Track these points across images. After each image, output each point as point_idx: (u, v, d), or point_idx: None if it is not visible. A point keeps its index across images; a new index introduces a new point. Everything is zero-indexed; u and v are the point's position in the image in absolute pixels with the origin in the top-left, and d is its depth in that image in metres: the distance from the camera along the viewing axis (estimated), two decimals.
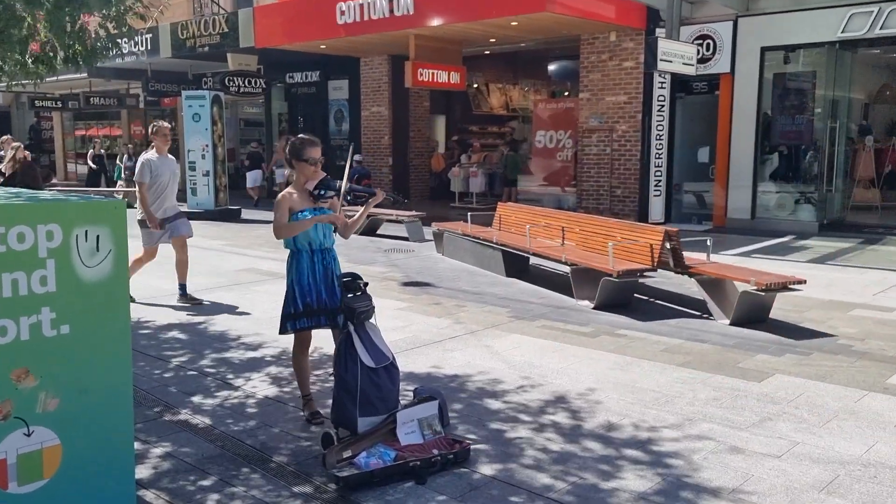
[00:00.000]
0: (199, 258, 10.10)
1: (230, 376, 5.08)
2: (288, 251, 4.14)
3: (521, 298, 7.49)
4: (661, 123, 12.29)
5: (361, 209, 4.20)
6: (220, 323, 6.51)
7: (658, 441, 3.98)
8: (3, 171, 9.69)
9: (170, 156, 7.11)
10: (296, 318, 4.06)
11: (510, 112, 20.53)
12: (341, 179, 4.14)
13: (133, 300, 7.21)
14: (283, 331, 4.09)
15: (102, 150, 22.43)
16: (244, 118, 22.81)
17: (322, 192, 4.05)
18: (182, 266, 7.32)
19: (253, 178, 17.53)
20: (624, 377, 5.05)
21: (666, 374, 5.10)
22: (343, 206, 4.16)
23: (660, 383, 4.92)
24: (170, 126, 7.21)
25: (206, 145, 14.97)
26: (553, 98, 17.67)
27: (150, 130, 7.14)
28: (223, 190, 15.32)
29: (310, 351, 4.35)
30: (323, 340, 5.44)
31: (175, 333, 6.18)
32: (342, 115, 18.13)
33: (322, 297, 4.06)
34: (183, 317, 6.73)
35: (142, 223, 7.06)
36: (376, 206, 4.46)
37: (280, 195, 4.07)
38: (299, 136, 4.14)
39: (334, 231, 4.18)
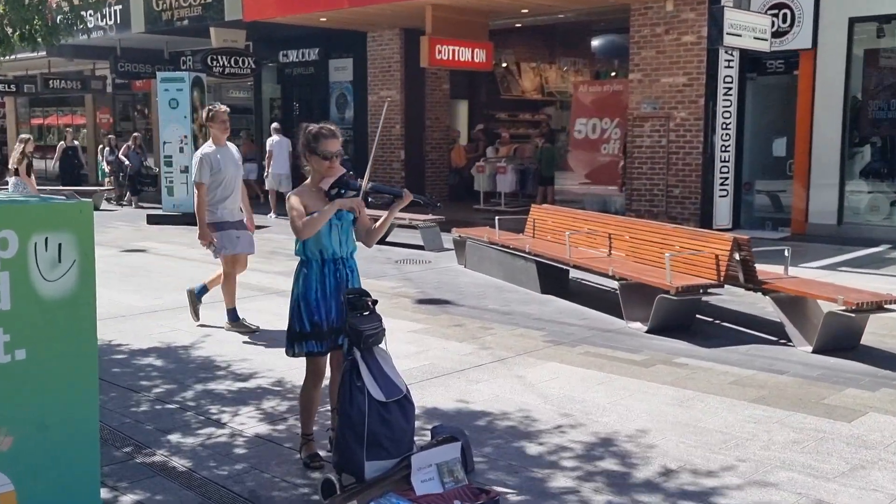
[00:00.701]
0: (177, 270, 10.21)
1: (215, 411, 5.12)
2: (296, 261, 4.23)
3: (560, 319, 7.48)
4: (727, 110, 12.22)
5: (386, 213, 4.22)
6: (203, 347, 6.57)
7: (725, 492, 3.95)
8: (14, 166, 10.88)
9: (230, 145, 6.85)
10: (303, 339, 4.12)
11: (546, 96, 20.58)
12: (362, 178, 4.16)
13: (256, 329, 6.89)
14: (289, 352, 4.17)
15: (76, 142, 22.60)
16: (230, 104, 23.00)
17: (340, 192, 4.09)
18: (231, 286, 6.99)
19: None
20: (684, 415, 5.02)
21: (735, 411, 5.06)
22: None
23: (727, 423, 4.88)
24: (227, 110, 6.84)
25: (185, 136, 15.17)
26: (597, 80, 17.68)
27: (204, 115, 6.89)
28: None
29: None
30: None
31: (151, 360, 6.24)
32: (345, 100, 18.29)
33: (331, 317, 4.11)
34: (160, 340, 6.80)
35: (218, 226, 6.76)
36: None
37: (290, 194, 4.14)
38: (314, 125, 4.17)
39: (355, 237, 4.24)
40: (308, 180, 4.18)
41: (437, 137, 17.89)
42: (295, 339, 4.14)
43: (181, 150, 15.17)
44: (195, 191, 6.74)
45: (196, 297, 7.23)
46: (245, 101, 22.15)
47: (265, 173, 16.05)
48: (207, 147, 6.78)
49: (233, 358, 6.25)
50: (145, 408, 5.20)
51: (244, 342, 6.68)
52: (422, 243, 11.67)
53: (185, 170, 15.08)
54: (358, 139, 17.69)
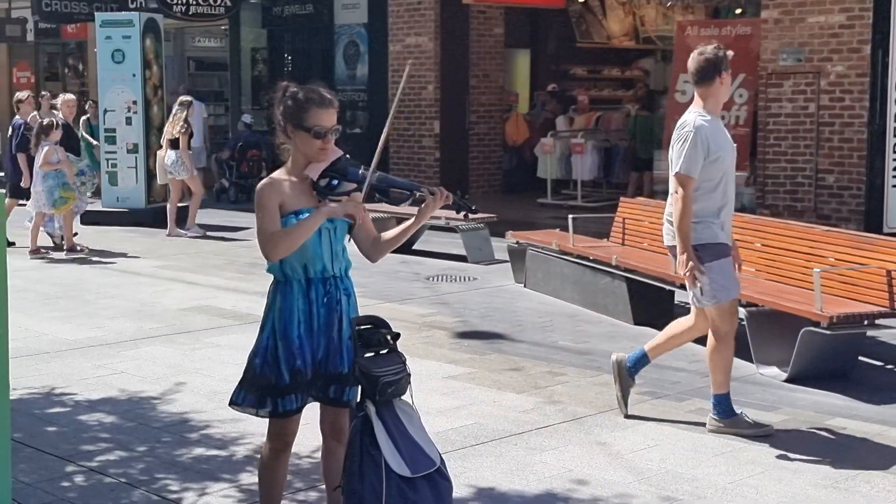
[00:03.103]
0: (124, 289, 10.37)
1: (174, 487, 5.17)
2: (272, 278, 4.16)
3: (660, 362, 7.40)
4: None
5: (407, 222, 4.13)
6: (160, 398, 6.66)
7: None
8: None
9: (711, 116, 5.95)
10: (278, 393, 4.05)
11: (641, 44, 20.49)
12: (367, 165, 4.10)
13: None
14: (252, 405, 4.08)
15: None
16: (196, 57, 23.35)
17: (334, 184, 4.06)
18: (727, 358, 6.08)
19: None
20: (844, 502, 4.95)
21: None
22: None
23: None
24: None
25: (134, 103, 15.39)
26: (715, 19, 17.54)
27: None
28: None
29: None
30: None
31: (87, 415, 6.32)
32: (357, 50, 18.42)
33: (319, 359, 4.07)
34: (101, 387, 6.90)
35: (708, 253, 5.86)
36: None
37: (262, 184, 4.07)
38: (297, 87, 4.12)
39: (348, 240, 4.19)
40: (286, 165, 4.14)
41: (485, 103, 17.93)
42: (265, 392, 4.05)
43: (128, 120, 15.39)
44: (676, 190, 5.79)
45: (629, 373, 6.30)
46: (217, 54, 22.43)
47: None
48: (700, 115, 5.88)
49: (195, 414, 6.32)
50: (80, 480, 5.26)
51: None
52: (463, 252, 11.70)
53: (135, 149, 15.29)
54: (374, 106, 17.78)
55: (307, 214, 3.99)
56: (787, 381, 6.86)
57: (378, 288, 10.16)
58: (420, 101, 17.32)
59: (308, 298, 4.05)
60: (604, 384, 6.85)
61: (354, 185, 4.05)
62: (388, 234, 4.19)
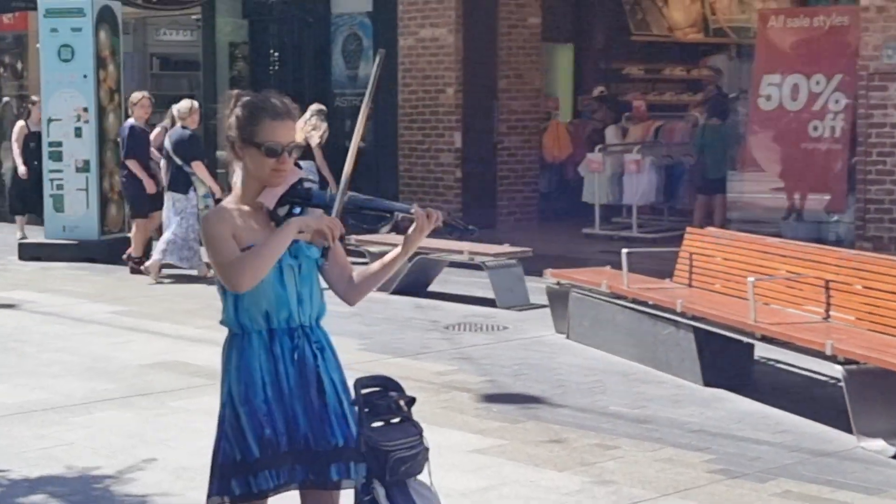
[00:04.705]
0: (71, 340, 10.38)
1: None
2: (226, 331, 4.15)
3: (738, 432, 7.41)
4: None
5: (392, 253, 4.19)
6: (117, 476, 6.62)
7: None
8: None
9: None
10: (247, 471, 4.05)
11: (712, 37, 20.52)
12: (337, 184, 4.14)
13: None
14: (218, 492, 4.07)
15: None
16: (161, 54, 23.48)
17: (295, 213, 4.07)
18: None
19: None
20: None
21: None
22: (346, 237, 4.16)
23: None
24: None
25: (85, 109, 15.46)
26: (803, 7, 17.56)
27: None
28: (116, 200, 15.77)
29: None
30: None
31: (32, 498, 6.29)
32: (359, 45, 18.52)
33: (297, 429, 4.08)
34: (43, 462, 6.89)
35: None
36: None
37: (207, 214, 4.15)
38: (250, 94, 4.17)
39: (322, 281, 4.19)
40: (234, 191, 4.19)
41: (518, 110, 17.97)
42: (230, 474, 4.04)
43: (78, 132, 15.45)
44: None
45: None
46: (188, 49, 22.55)
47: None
48: None
49: (180, 500, 6.27)
50: None
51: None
52: (491, 295, 11.69)
53: (85, 167, 15.34)
54: (380, 115, 17.77)
55: None
56: (895, 457, 6.81)
57: (385, 339, 10.16)
58: (437, 108, 17.36)
59: (272, 354, 4.06)
60: (666, 460, 6.83)
61: (321, 211, 4.09)
62: (369, 270, 4.22)
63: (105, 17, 15.66)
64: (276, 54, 20.10)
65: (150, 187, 13.89)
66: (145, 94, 14.59)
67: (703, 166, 16.15)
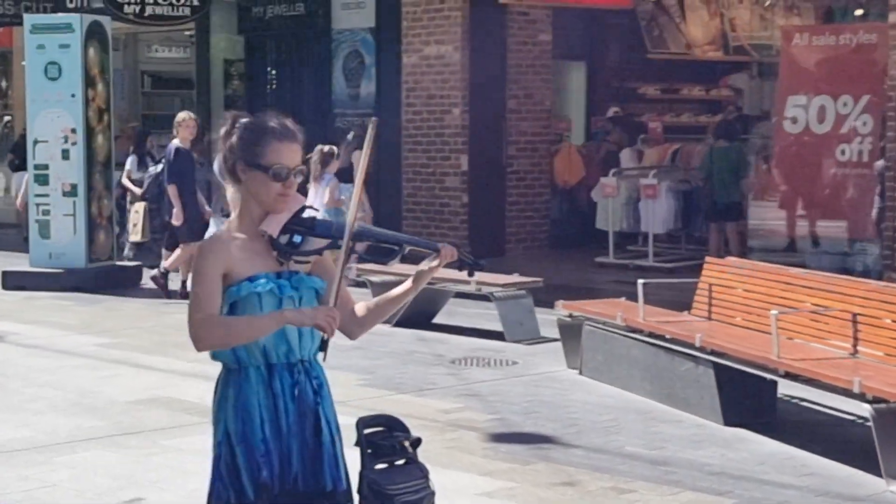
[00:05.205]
0: (58, 374, 10.38)
1: None
2: (220, 366, 4.18)
3: (761, 476, 7.40)
4: None
5: (401, 287, 4.20)
6: None
7: None
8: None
9: None
10: None
11: (731, 54, 20.54)
12: (342, 215, 4.17)
13: None
14: None
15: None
16: (153, 71, 23.52)
17: (296, 241, 4.11)
18: None
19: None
20: None
21: None
22: (350, 267, 4.17)
23: None
24: None
25: (73, 130, 15.49)
26: (828, 24, 17.61)
27: None
28: (104, 226, 15.80)
29: None
30: None
31: None
32: (361, 63, 18.56)
33: (289, 469, 4.09)
34: None
35: None
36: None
37: (203, 243, 4.16)
38: (252, 117, 4.20)
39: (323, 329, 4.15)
40: (232, 217, 4.21)
41: (528, 131, 17.98)
42: None
43: (65, 154, 15.49)
44: None
45: None
46: (181, 67, 22.60)
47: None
48: None
49: None
50: None
51: None
52: (500, 327, 11.69)
53: (73, 191, 15.37)
54: (384, 136, 17.63)
55: (265, 282, 4.03)
56: None
57: (388, 374, 10.18)
58: (443, 130, 17.36)
59: (271, 390, 4.08)
60: None
61: (326, 242, 4.10)
62: (374, 303, 4.25)
63: (94, 33, 15.68)
64: (274, 72, 20.13)
65: (176, 218, 14.03)
66: (190, 114, 14.68)
67: (713, 190, 16.06)
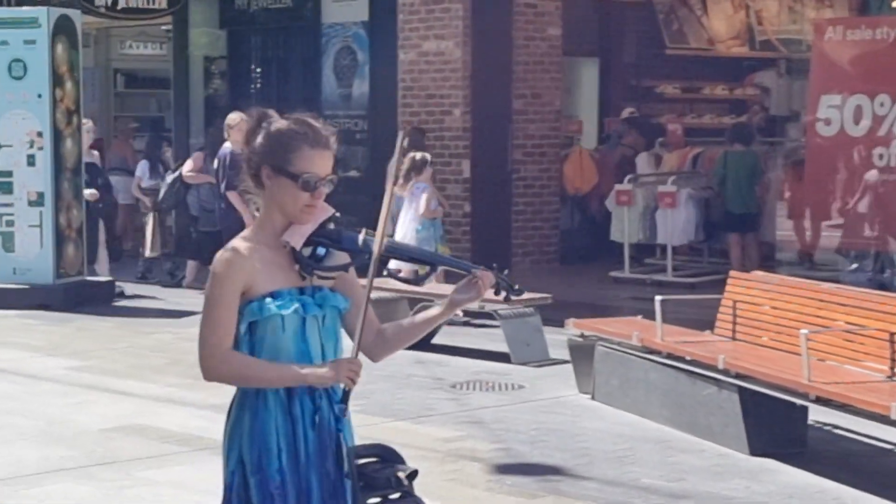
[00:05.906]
0: (21, 401, 10.38)
1: None
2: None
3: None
4: None
5: (432, 310, 4.24)
6: None
7: None
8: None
9: None
10: None
11: (757, 50, 20.58)
12: (368, 229, 4.15)
13: None
14: None
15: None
16: (126, 69, 23.53)
17: (320, 255, 4.12)
18: None
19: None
20: None
21: None
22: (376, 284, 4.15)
23: None
24: None
25: (39, 134, 15.48)
26: (863, 17, 17.60)
27: None
28: (73, 238, 15.77)
29: None
30: None
31: None
32: (353, 59, 18.61)
33: (308, 503, 4.12)
34: None
35: None
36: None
37: (220, 257, 4.14)
38: (279, 118, 4.21)
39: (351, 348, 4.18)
40: (254, 225, 4.24)
41: (535, 134, 18.00)
42: None
43: (30, 160, 15.47)
44: None
45: None
46: (156, 64, 22.62)
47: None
48: None
49: None
50: None
51: None
52: (505, 348, 11.69)
53: (39, 199, 15.33)
54: (377, 139, 17.83)
55: (287, 299, 4.03)
56: None
57: (384, 399, 10.17)
58: (443, 132, 17.37)
59: (290, 415, 4.09)
60: None
61: (355, 256, 4.14)
62: (403, 326, 4.29)
63: (63, 29, 15.67)
64: (258, 70, 20.18)
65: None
66: (242, 115, 14.64)
67: (723, 197, 16.10)
